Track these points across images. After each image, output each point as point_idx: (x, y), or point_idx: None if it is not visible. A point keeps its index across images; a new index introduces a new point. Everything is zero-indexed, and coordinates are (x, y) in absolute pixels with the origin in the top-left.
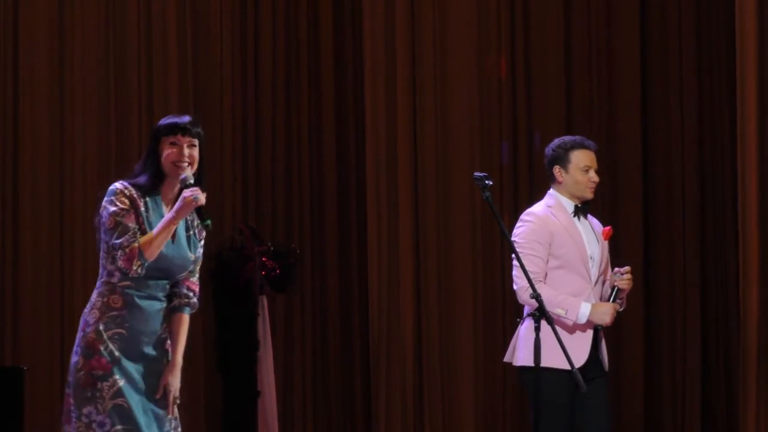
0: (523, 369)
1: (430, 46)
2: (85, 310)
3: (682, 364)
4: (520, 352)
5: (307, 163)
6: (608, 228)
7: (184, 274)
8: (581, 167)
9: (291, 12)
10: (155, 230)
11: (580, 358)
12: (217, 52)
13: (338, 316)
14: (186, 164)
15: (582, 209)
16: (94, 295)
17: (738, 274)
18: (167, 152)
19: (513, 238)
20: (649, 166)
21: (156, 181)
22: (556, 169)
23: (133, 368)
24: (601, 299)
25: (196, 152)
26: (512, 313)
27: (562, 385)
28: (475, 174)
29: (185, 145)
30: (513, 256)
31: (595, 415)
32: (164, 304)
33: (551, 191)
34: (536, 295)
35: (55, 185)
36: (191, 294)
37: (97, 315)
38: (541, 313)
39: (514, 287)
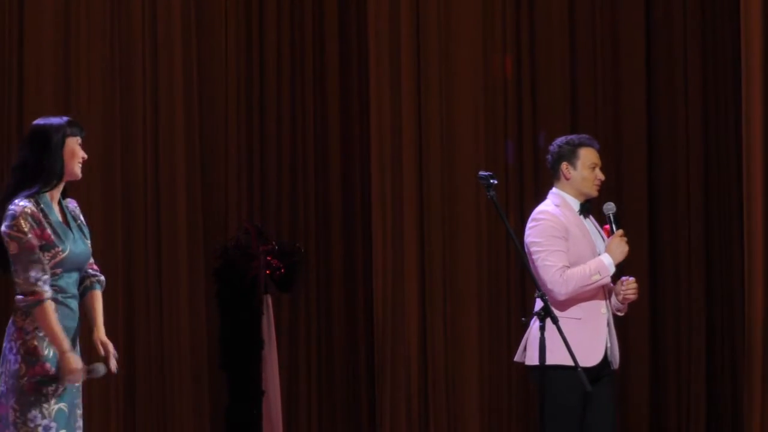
0: (535, 368)
1: (435, 45)
2: (16, 320)
3: (687, 365)
4: (533, 352)
5: (312, 162)
6: (608, 226)
7: (90, 260)
8: (589, 164)
9: (296, 11)
10: (53, 330)
11: (595, 356)
12: (221, 52)
13: (343, 315)
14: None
15: (587, 208)
16: (22, 305)
17: (743, 274)
18: (77, 152)
19: (531, 239)
20: (654, 165)
21: (57, 182)
22: (564, 166)
23: None
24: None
25: None
26: (518, 312)
27: (572, 383)
28: (480, 173)
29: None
30: (531, 261)
31: (602, 413)
32: (78, 300)
33: (555, 190)
34: (541, 295)
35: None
36: (97, 272)
37: (35, 322)
38: (546, 313)
39: (548, 287)
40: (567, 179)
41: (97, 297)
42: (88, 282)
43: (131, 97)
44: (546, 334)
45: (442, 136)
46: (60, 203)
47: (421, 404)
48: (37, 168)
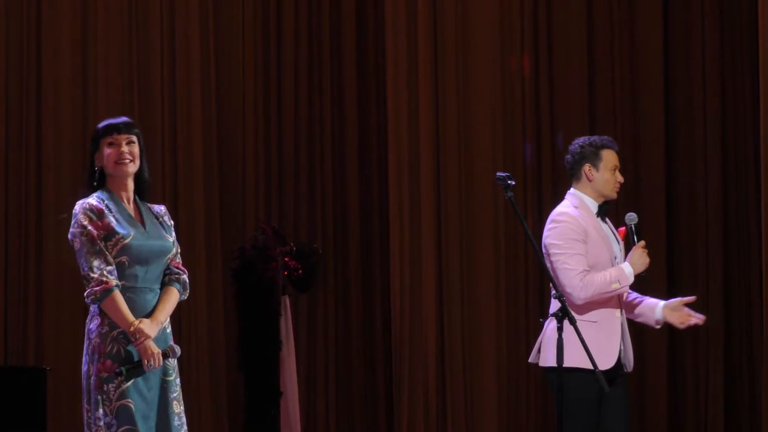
0: (550, 370)
1: (452, 46)
2: (87, 320)
3: (705, 363)
4: (548, 353)
5: (330, 163)
6: (624, 228)
7: (169, 256)
8: (611, 167)
9: (313, 14)
10: (125, 318)
11: (609, 359)
12: (239, 53)
13: (360, 316)
14: (128, 161)
15: (604, 209)
16: (91, 298)
17: (761, 273)
18: (107, 153)
19: (551, 241)
20: (672, 166)
21: (98, 183)
22: (587, 167)
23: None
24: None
25: (136, 149)
26: (535, 312)
27: (589, 385)
28: (498, 174)
29: (124, 143)
30: (550, 262)
31: (616, 414)
32: (158, 294)
33: (573, 191)
34: (558, 296)
35: (78, 187)
36: (179, 271)
37: (99, 320)
38: (563, 314)
39: (567, 290)
40: (589, 181)
41: (168, 292)
42: (166, 279)
43: (149, 99)
44: (562, 335)
45: (459, 136)
46: (136, 201)
47: (439, 403)
48: (86, 172)
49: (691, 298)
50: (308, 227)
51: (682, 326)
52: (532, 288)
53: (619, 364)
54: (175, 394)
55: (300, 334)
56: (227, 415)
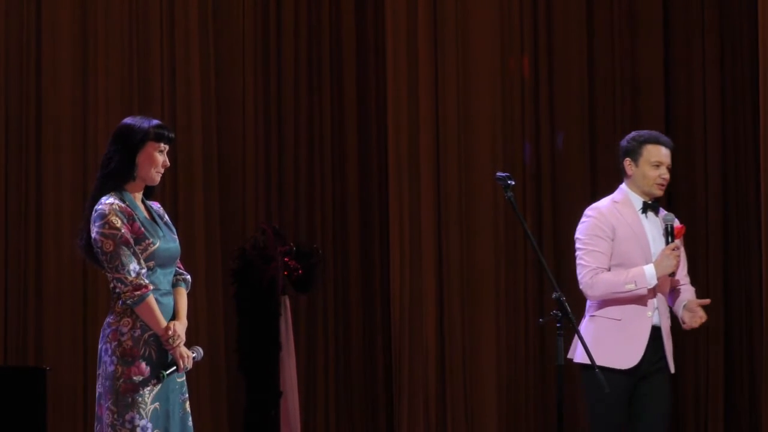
0: (581, 366)
1: (452, 46)
2: (110, 320)
3: (705, 363)
4: (577, 349)
5: (330, 163)
6: (680, 226)
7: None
8: (652, 162)
9: (313, 16)
10: (159, 323)
11: (631, 359)
12: (239, 53)
13: (360, 316)
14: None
15: (651, 206)
16: (118, 306)
17: (761, 273)
18: (153, 158)
19: (577, 235)
20: (672, 166)
21: (126, 182)
22: (627, 162)
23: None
24: (670, 309)
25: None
26: (535, 312)
27: (614, 384)
28: (498, 174)
29: (166, 153)
30: (576, 255)
31: (651, 410)
32: (173, 296)
33: (622, 185)
34: (558, 296)
35: (78, 187)
36: (183, 271)
37: (131, 322)
38: (563, 314)
39: (580, 286)
40: (629, 176)
41: (181, 293)
42: (174, 280)
43: (149, 98)
44: (584, 334)
45: (459, 136)
46: (144, 202)
47: (438, 404)
48: (113, 166)
49: (705, 301)
50: (308, 227)
51: (686, 326)
52: (532, 288)
53: (660, 362)
54: (186, 395)
55: (300, 334)
56: (227, 415)
